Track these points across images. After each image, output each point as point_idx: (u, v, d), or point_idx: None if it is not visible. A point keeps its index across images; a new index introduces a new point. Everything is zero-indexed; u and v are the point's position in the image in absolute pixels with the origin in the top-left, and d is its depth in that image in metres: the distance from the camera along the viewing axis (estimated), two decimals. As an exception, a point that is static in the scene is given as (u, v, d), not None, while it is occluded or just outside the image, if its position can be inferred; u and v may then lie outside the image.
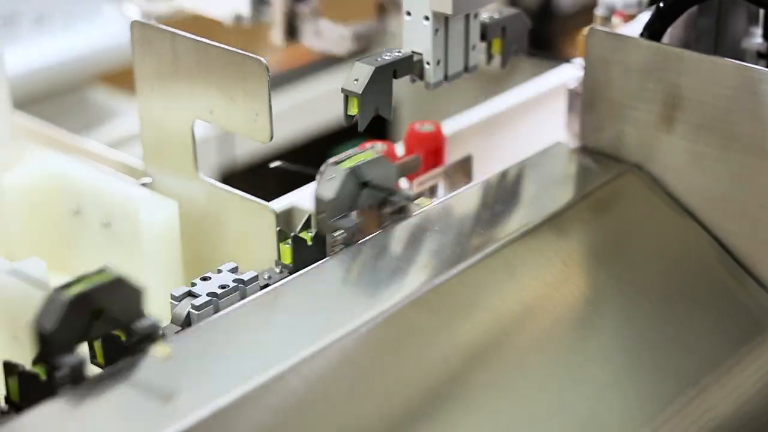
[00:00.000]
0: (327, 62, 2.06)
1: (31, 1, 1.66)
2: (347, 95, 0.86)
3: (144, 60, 0.93)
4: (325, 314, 0.76)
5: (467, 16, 0.91)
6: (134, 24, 0.92)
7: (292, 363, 0.70)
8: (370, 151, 0.83)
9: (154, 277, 0.94)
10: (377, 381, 0.72)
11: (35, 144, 1.08)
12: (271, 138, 0.87)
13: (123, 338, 0.72)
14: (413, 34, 0.90)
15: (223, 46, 0.87)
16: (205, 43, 0.88)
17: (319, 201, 0.80)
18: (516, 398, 0.75)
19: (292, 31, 1.36)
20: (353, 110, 0.86)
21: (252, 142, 1.29)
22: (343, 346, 0.73)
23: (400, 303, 0.76)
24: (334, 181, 0.80)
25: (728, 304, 0.87)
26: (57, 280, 0.88)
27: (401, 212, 0.86)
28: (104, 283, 0.70)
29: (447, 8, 0.87)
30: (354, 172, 0.81)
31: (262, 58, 0.85)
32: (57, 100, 1.61)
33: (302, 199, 0.97)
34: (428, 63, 0.90)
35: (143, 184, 0.97)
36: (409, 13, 0.90)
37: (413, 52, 0.90)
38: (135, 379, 0.70)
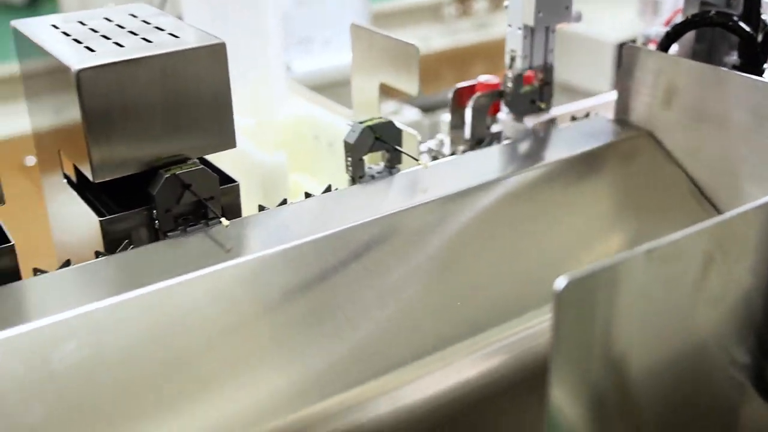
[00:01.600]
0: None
1: (322, 30, 1.74)
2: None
3: (357, 53, 0.97)
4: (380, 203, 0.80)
5: (546, 29, 0.97)
6: (352, 26, 0.95)
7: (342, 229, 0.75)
8: (384, 118, 0.84)
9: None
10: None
11: (298, 98, 1.13)
12: (418, 93, 0.91)
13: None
14: (512, 38, 0.97)
15: (396, 38, 0.91)
16: (390, 37, 0.91)
17: (345, 144, 0.82)
18: (503, 258, 0.78)
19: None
20: None
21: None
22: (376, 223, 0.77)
23: (436, 200, 0.80)
24: (355, 133, 0.82)
25: (692, 217, 0.88)
26: (297, 176, 1.00)
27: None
28: (192, 170, 0.72)
29: (530, 22, 0.95)
30: (370, 128, 0.82)
31: (415, 44, 0.88)
32: (331, 89, 1.59)
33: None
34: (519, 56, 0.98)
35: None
36: (510, 25, 0.97)
37: (511, 49, 0.98)
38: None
